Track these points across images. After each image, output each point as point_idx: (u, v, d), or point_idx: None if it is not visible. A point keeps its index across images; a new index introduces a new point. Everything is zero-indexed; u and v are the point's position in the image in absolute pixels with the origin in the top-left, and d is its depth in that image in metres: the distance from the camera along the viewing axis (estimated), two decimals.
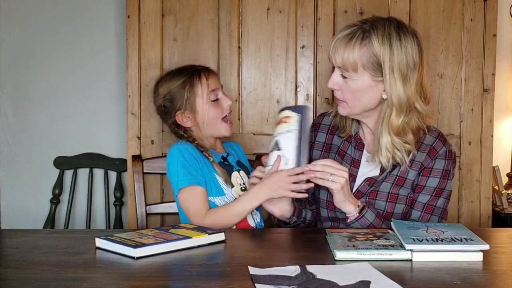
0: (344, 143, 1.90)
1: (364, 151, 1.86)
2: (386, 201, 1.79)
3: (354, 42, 1.70)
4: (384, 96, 1.73)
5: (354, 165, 1.85)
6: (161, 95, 1.99)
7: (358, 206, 1.73)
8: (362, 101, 1.75)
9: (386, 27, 1.72)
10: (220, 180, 1.90)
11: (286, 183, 1.68)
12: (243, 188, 1.93)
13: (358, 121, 1.87)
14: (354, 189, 1.83)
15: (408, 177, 1.80)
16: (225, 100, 1.97)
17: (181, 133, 1.96)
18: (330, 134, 1.93)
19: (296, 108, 1.75)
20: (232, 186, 1.92)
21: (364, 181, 1.82)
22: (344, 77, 1.74)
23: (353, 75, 1.72)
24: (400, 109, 1.72)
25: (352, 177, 1.83)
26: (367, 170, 1.84)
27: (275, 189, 1.69)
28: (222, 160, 1.96)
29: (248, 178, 1.86)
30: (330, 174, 1.66)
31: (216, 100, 1.96)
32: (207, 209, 1.82)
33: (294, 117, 1.71)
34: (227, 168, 1.94)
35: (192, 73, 1.96)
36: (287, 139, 1.69)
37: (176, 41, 2.42)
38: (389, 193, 1.80)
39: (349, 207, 1.72)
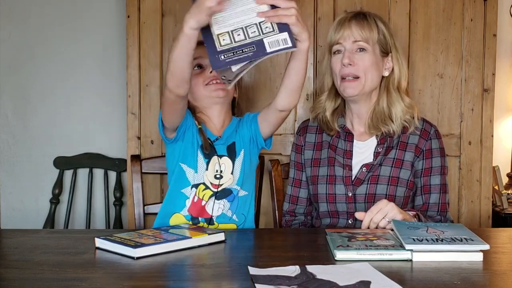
0: (334, 138, 1.95)
1: (355, 141, 1.92)
2: (388, 184, 1.85)
3: (368, 19, 1.87)
4: (386, 74, 1.89)
5: (347, 156, 1.90)
6: None
7: (414, 216, 1.74)
8: (372, 77, 1.87)
9: (374, 14, 1.93)
10: (199, 153, 1.85)
11: None
12: (217, 176, 1.86)
13: (343, 115, 1.95)
14: (353, 176, 1.87)
15: (405, 158, 1.87)
16: (209, 67, 1.86)
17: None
18: (319, 134, 1.99)
19: None
20: (207, 169, 1.85)
21: (361, 167, 1.88)
22: (361, 50, 1.85)
23: (369, 48, 1.86)
24: (404, 75, 1.91)
25: (348, 167, 1.89)
26: (361, 158, 1.90)
27: (198, 5, 1.54)
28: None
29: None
30: None
31: (200, 68, 1.90)
32: None
33: None
34: (210, 151, 1.86)
35: None
36: None
37: None
38: (389, 176, 1.86)
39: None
